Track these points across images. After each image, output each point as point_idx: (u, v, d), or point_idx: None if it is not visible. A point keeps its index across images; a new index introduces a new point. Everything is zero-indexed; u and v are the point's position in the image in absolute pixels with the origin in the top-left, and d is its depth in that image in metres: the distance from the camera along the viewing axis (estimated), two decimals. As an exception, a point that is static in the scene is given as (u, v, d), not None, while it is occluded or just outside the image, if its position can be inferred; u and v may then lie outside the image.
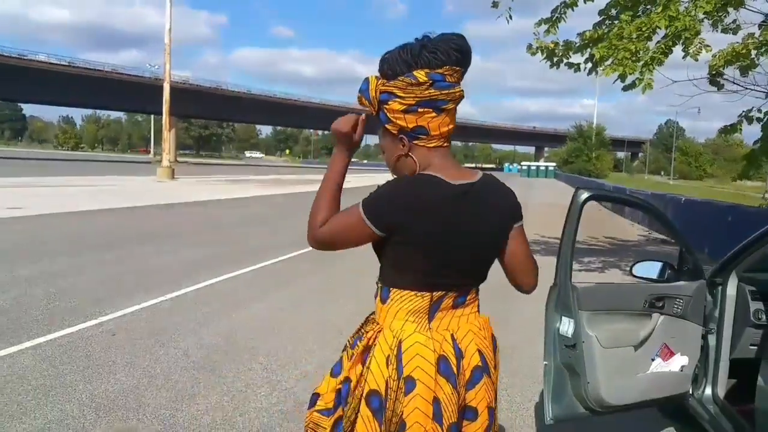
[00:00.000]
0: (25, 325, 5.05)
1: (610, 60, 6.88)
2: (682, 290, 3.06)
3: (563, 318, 2.91)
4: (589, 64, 7.61)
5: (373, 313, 1.67)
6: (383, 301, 1.60)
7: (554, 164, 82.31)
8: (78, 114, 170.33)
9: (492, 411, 1.63)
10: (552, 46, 7.78)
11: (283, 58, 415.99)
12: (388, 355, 1.53)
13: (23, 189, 21.14)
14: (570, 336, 2.87)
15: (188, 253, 9.03)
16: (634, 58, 6.66)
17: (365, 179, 49.22)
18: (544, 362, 3.00)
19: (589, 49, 7.40)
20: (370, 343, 1.58)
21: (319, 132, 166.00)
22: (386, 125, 1.60)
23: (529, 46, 7.98)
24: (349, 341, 1.69)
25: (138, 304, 5.88)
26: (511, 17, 8.18)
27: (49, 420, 3.33)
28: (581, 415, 2.97)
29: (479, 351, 1.62)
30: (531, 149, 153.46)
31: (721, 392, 3.20)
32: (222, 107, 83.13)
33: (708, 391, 3.21)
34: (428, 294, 1.56)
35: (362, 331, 1.66)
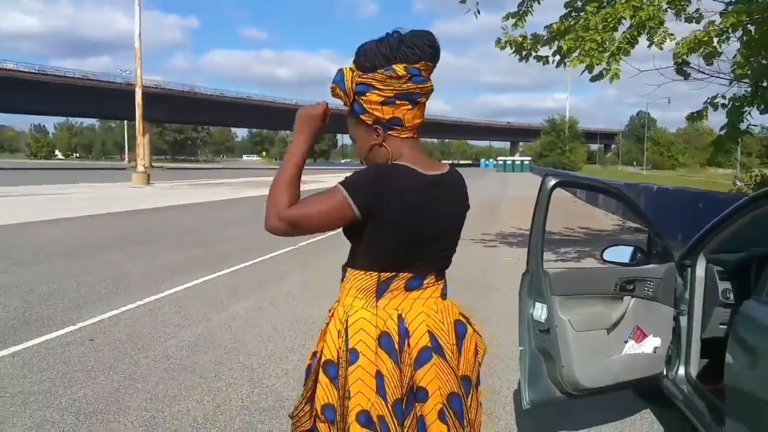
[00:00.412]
0: (1, 333, 4.99)
1: (577, 51, 6.99)
2: (652, 273, 3.14)
3: (536, 303, 2.98)
4: (558, 57, 7.71)
5: None
6: (341, 280, 1.70)
7: (529, 158, 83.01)
8: (50, 122, 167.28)
9: (453, 397, 1.63)
10: (520, 39, 7.87)
11: (256, 60, 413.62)
12: (339, 329, 1.63)
13: (-6, 199, 20.76)
14: (543, 321, 2.93)
15: (165, 258, 8.97)
16: (600, 49, 6.78)
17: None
18: (520, 348, 3.07)
19: (556, 42, 7.50)
20: (329, 319, 1.69)
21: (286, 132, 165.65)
22: (361, 116, 1.65)
23: (498, 41, 8.07)
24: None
25: (116, 309, 5.84)
26: (479, 12, 8.26)
27: (28, 426, 3.31)
28: (558, 399, 3.04)
29: (430, 332, 1.64)
30: (506, 144, 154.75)
31: (694, 372, 3.29)
32: (195, 111, 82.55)
33: (681, 371, 3.30)
34: (376, 274, 1.62)
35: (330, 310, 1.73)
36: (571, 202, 23.51)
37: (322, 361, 1.65)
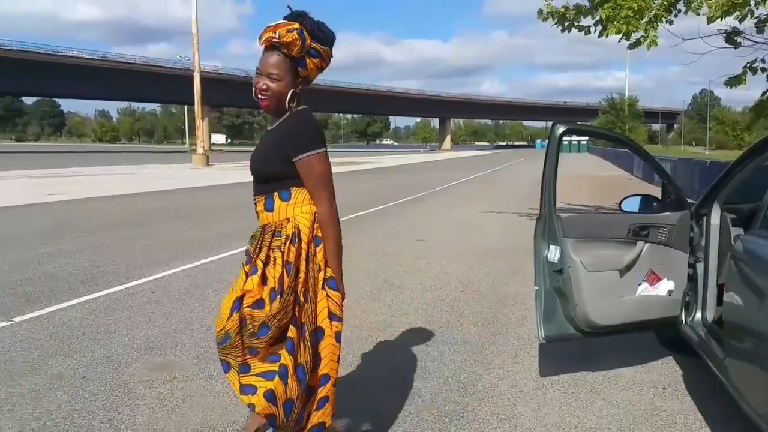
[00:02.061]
0: (73, 286, 5.52)
1: (617, 20, 6.99)
2: (665, 220, 3.29)
3: (550, 246, 3.18)
4: (599, 27, 7.70)
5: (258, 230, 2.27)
6: (286, 199, 2.21)
7: (587, 138, 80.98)
8: (113, 107, 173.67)
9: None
10: (562, 10, 7.88)
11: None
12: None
13: (64, 178, 22.03)
14: (557, 261, 3.14)
15: (221, 227, 9.48)
16: (637, 16, 6.75)
17: (399, 159, 49.05)
18: (535, 287, 3.29)
19: (597, 11, 7.49)
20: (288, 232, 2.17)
21: (348, 116, 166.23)
22: (300, 69, 2.18)
23: (540, 12, 8.10)
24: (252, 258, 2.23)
25: (175, 268, 6.32)
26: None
27: (96, 357, 3.74)
28: (572, 336, 3.25)
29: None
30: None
31: (710, 316, 3.42)
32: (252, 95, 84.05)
33: (698, 316, 3.43)
34: None
35: (265, 240, 2.21)
36: (626, 180, 23.08)
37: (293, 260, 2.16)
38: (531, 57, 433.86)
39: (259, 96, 2.18)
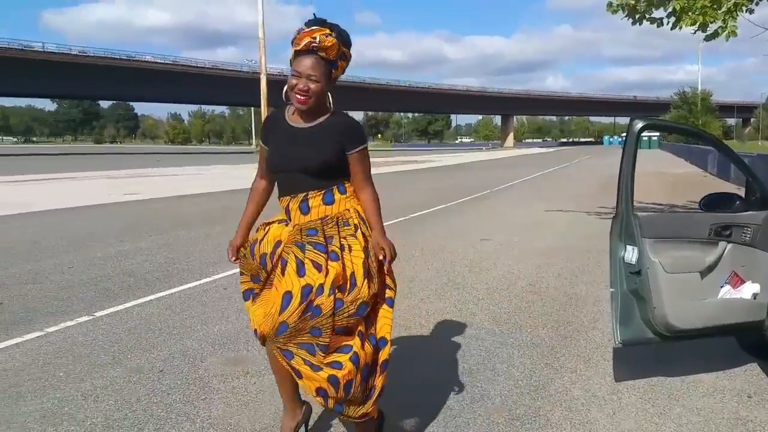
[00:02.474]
0: (150, 282, 5.75)
1: (692, 11, 6.69)
2: (750, 219, 3.13)
3: (627, 246, 3.08)
4: (672, 18, 7.39)
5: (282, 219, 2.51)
6: (343, 193, 2.43)
7: (658, 134, 78.07)
8: (185, 110, 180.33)
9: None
10: (633, 2, 7.60)
11: (370, 45, 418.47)
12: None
13: (139, 178, 22.99)
14: (634, 263, 3.03)
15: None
16: (715, 6, 6.44)
17: (460, 158, 48.74)
18: (611, 289, 3.19)
19: (670, 2, 7.19)
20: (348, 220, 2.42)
21: (410, 115, 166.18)
22: (333, 70, 2.37)
23: (610, 4, 7.84)
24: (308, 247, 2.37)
25: (244, 267, 6.47)
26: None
27: (173, 351, 3.88)
28: (650, 340, 3.14)
29: None
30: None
31: (801, 322, 3.23)
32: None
33: (785, 319, 3.24)
34: None
35: (327, 230, 2.39)
36: (701, 177, 22.13)
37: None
38: (597, 51, 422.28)
39: (298, 95, 2.34)
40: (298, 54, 2.32)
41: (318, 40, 2.27)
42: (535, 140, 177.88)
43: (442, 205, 12.63)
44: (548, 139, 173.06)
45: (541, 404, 3.08)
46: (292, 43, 2.34)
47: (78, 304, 4.97)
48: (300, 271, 2.29)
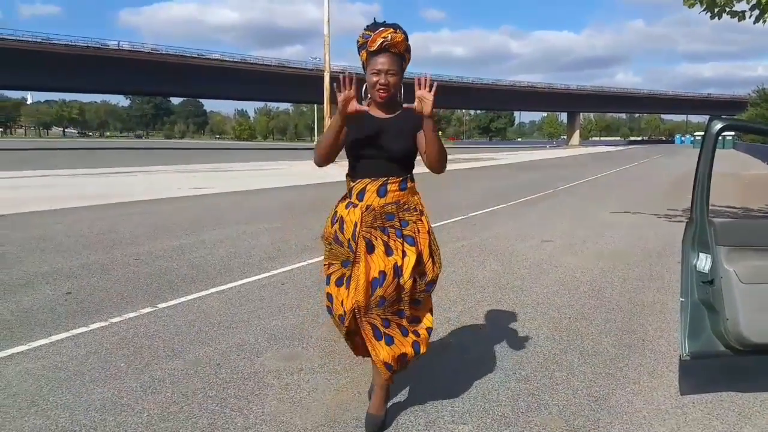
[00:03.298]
0: (211, 276, 5.88)
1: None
2: (838, 227, 2.89)
3: (700, 254, 2.90)
4: (756, 11, 6.95)
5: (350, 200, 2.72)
6: (413, 181, 2.75)
7: (733, 133, 74.39)
8: (251, 107, 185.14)
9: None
10: (712, -6, 7.22)
11: (433, 41, 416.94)
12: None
13: (206, 173, 23.68)
14: (707, 272, 2.86)
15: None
16: (806, -4, 6.01)
17: (523, 156, 47.94)
18: (681, 299, 3.01)
19: (755, -7, 6.77)
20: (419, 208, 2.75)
21: (471, 112, 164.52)
22: (403, 63, 2.65)
23: (687, -1, 7.47)
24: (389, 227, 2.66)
25: (304, 261, 6.54)
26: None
27: (230, 345, 3.94)
28: (720, 353, 2.95)
29: None
30: (706, 119, 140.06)
31: None
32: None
33: None
34: None
35: (402, 215, 2.69)
36: (779, 180, 20.95)
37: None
38: (671, 46, 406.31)
39: (380, 91, 2.61)
40: (372, 54, 2.59)
41: (390, 38, 2.54)
42: (602, 138, 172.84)
43: (503, 204, 12.41)
44: (619, 138, 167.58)
45: (601, 416, 2.95)
46: (360, 47, 2.63)
47: (142, 296, 5.13)
48: (388, 252, 2.60)
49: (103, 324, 4.38)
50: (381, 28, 2.57)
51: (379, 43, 2.54)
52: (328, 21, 36.10)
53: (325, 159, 2.68)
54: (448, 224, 9.37)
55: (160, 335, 4.14)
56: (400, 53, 2.61)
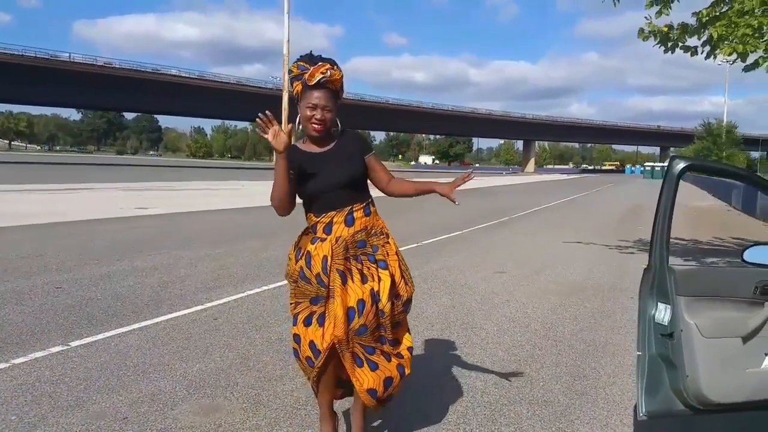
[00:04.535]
0: (137, 309, 5.40)
1: (730, 39, 6.25)
2: (803, 277, 2.68)
3: (659, 304, 2.65)
4: (707, 47, 6.96)
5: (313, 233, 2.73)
6: (369, 215, 2.74)
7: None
8: (208, 125, 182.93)
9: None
10: (665, 29, 7.20)
11: (395, 66, 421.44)
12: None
13: (153, 192, 22.87)
14: (666, 324, 2.60)
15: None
16: (756, 35, 6.00)
17: (480, 182, 48.51)
18: (638, 352, 2.74)
19: (706, 30, 6.77)
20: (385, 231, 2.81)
21: (431, 137, 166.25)
22: (337, 99, 2.67)
23: (641, 31, 7.45)
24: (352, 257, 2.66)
25: (242, 293, 6.12)
26: (618, 0, 7.68)
27: (143, 394, 3.50)
28: (679, 412, 2.69)
29: None
30: (656, 150, 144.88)
31: None
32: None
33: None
34: None
35: (372, 242, 2.72)
36: (724, 211, 21.48)
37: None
38: (623, 79, 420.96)
39: (315, 125, 2.61)
40: (308, 88, 2.57)
41: (329, 74, 2.55)
42: (556, 166, 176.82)
43: (457, 231, 12.21)
44: (572, 167, 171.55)
45: (551, 483, 2.65)
46: (294, 78, 2.60)
47: (55, 332, 4.62)
48: (363, 279, 2.61)
49: (3, 365, 3.88)
50: (319, 63, 2.58)
51: (317, 78, 2.54)
52: (288, 41, 35.93)
53: (284, 207, 2.69)
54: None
55: (65, 380, 3.67)
56: (336, 90, 2.63)
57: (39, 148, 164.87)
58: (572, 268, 8.29)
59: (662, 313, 2.61)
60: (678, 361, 2.58)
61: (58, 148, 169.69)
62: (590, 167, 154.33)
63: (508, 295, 6.45)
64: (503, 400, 3.57)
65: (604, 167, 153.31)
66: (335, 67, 2.60)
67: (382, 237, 2.74)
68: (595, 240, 11.45)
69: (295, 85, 2.62)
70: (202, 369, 3.94)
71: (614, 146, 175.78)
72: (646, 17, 7.80)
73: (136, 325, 4.88)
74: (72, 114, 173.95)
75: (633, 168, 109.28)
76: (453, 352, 4.48)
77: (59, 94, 62.23)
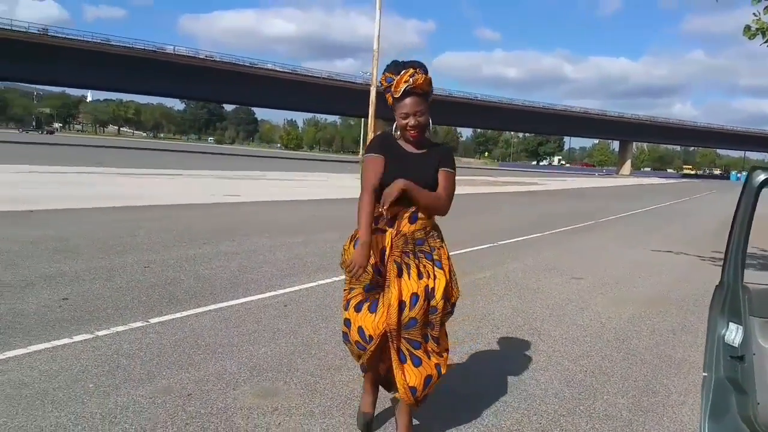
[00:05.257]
0: (215, 291, 5.65)
1: None
2: None
3: (730, 324, 2.49)
4: (822, 45, 6.41)
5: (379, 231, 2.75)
6: (416, 220, 2.77)
7: None
8: (300, 117, 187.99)
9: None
10: (774, 26, 6.70)
11: (486, 61, 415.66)
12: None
13: (243, 181, 23.78)
14: (737, 346, 2.44)
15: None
16: None
17: (569, 182, 46.95)
18: (704, 374, 2.60)
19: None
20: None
21: (520, 134, 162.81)
22: (429, 100, 2.75)
23: (747, 28, 6.97)
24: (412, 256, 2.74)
25: (314, 282, 6.26)
26: (723, -5, 7.20)
27: (209, 373, 3.66)
28: (748, 440, 2.51)
29: None
30: (765, 156, 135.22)
31: None
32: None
33: None
34: None
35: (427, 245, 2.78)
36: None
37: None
38: (732, 79, 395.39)
39: (411, 132, 2.72)
40: (398, 98, 2.67)
41: (412, 81, 2.63)
42: (655, 170, 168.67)
43: (537, 233, 11.92)
44: (672, 171, 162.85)
45: (602, 500, 2.55)
46: (385, 90, 2.72)
47: (137, 308, 4.92)
48: (419, 275, 2.68)
49: (87, 336, 4.17)
50: (402, 71, 2.65)
51: (402, 88, 2.64)
52: (378, 36, 36.18)
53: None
54: (474, 251, 8.96)
55: (141, 354, 3.90)
56: (425, 92, 2.70)
57: (145, 135, 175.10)
58: (657, 279, 7.91)
59: (733, 334, 2.46)
60: (749, 386, 2.42)
61: (161, 135, 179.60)
62: (692, 172, 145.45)
63: (583, 303, 6.24)
64: (562, 410, 3.47)
65: (706, 173, 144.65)
66: (418, 70, 2.66)
67: (438, 240, 2.82)
68: (687, 250, 10.86)
69: (387, 96, 2.74)
70: (267, 353, 4.07)
71: (719, 151, 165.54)
72: (754, 13, 7.30)
73: (212, 306, 5.11)
74: (176, 104, 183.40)
75: (739, 174, 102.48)
76: (515, 356, 4.39)
77: (164, 84, 65.79)
